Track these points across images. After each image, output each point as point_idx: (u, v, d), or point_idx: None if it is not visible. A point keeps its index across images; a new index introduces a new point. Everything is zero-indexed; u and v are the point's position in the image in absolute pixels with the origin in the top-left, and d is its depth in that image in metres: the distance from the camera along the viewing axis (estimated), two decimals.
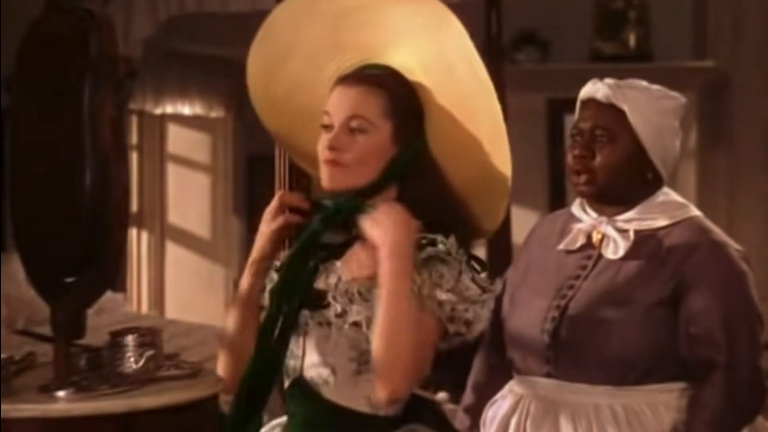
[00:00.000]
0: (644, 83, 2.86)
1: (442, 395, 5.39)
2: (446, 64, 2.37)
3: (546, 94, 7.91)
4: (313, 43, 2.47)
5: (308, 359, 2.38)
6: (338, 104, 2.39)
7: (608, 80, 2.85)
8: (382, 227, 2.29)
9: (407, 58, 2.40)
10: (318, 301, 2.38)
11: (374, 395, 2.30)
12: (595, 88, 2.85)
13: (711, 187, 7.92)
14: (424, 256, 2.31)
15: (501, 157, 2.41)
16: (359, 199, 2.39)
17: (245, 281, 2.47)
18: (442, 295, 2.29)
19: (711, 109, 8.09)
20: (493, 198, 2.47)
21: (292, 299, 2.38)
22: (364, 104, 2.37)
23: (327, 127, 2.40)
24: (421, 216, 2.34)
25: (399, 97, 2.39)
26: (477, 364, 3.04)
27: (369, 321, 2.30)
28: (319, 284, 2.41)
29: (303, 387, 2.36)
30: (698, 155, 7.82)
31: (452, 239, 2.33)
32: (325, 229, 2.42)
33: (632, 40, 8.13)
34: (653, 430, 2.74)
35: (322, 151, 2.40)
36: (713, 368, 2.71)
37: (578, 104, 2.90)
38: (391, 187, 2.41)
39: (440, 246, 2.32)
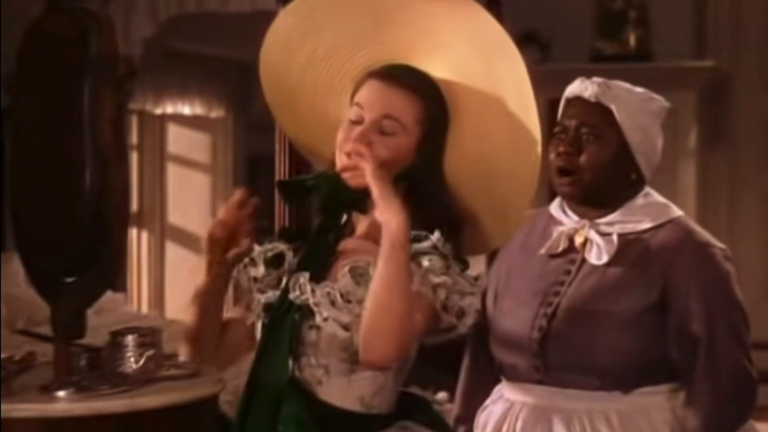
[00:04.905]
0: (629, 85, 2.84)
1: (442, 395, 5.37)
2: (492, 86, 2.34)
3: (546, 94, 7.85)
4: (344, 31, 2.44)
5: (302, 360, 2.37)
6: (373, 101, 2.36)
7: (596, 79, 2.83)
8: (390, 210, 2.23)
9: (441, 68, 2.38)
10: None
11: (362, 358, 2.25)
12: (583, 86, 2.84)
13: (711, 187, 7.90)
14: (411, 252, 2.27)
15: (521, 189, 2.39)
16: (361, 197, 2.36)
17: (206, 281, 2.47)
18: (437, 279, 2.27)
19: (711, 109, 8.08)
20: (505, 222, 2.45)
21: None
22: (401, 108, 2.35)
23: (356, 122, 2.37)
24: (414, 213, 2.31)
25: (433, 106, 2.37)
26: (464, 373, 3.02)
27: (356, 323, 2.27)
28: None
29: (297, 387, 2.36)
30: (698, 155, 7.80)
31: (437, 235, 2.31)
32: (333, 228, 2.41)
33: (632, 40, 8.12)
34: None
35: (343, 143, 2.37)
36: (698, 370, 2.69)
37: (563, 102, 2.91)
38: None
39: (426, 242, 2.31)
